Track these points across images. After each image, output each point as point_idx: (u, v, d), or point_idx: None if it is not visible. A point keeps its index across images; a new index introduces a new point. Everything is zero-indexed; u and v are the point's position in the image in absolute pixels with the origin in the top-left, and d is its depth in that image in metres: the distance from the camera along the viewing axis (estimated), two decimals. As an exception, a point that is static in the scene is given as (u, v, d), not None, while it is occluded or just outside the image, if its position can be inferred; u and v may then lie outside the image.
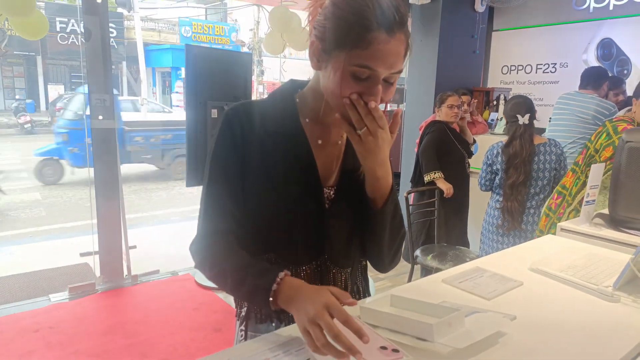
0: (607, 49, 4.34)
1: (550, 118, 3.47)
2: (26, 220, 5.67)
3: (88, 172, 3.53)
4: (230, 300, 3.05)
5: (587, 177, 1.61)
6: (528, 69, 4.91)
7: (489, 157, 2.78)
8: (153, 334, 2.78)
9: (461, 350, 0.76)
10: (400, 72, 0.82)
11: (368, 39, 0.77)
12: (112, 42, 15.34)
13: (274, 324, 0.95)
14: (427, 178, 3.14)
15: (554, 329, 0.90)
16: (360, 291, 1.04)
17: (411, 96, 4.49)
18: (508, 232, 2.71)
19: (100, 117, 3.21)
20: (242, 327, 0.98)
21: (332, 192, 0.94)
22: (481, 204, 3.12)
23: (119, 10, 14.69)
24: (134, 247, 3.59)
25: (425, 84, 4.30)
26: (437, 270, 2.51)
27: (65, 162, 7.61)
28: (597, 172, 1.59)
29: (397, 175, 4.56)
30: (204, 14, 19.70)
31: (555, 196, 2.26)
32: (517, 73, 5.00)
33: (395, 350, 0.75)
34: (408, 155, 4.42)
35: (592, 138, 2.15)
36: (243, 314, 0.98)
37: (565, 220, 2.00)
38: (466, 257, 2.70)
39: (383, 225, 0.91)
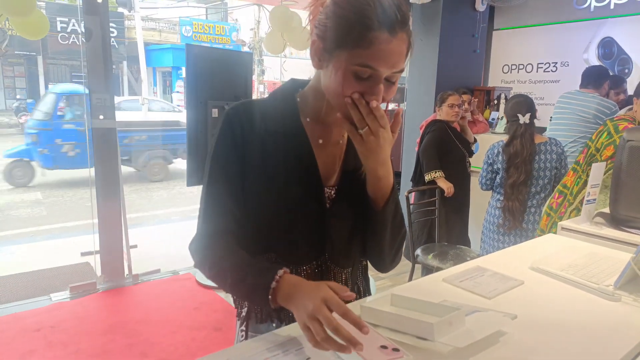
0: (608, 48, 4.33)
1: (551, 117, 3.47)
2: (27, 219, 5.67)
3: (89, 172, 3.53)
4: (231, 299, 3.05)
5: (588, 176, 1.61)
6: (529, 68, 4.91)
7: (490, 156, 2.78)
8: (154, 333, 2.78)
9: (462, 349, 0.76)
10: (402, 71, 0.81)
11: (370, 39, 0.76)
12: (113, 41, 15.33)
13: (274, 324, 0.95)
14: (427, 177, 3.14)
15: (554, 328, 0.90)
16: (361, 291, 1.04)
17: (412, 95, 4.49)
18: (509, 231, 2.71)
19: (101, 117, 3.22)
20: (243, 327, 0.98)
21: (333, 192, 0.94)
22: (482, 203, 3.12)
23: (120, 10, 14.70)
24: (135, 246, 3.59)
25: (425, 83, 4.30)
26: (438, 269, 2.51)
27: (36, 163, 7.28)
28: (597, 171, 1.59)
29: (397, 175, 4.56)
30: (205, 13, 19.70)
31: (556, 195, 2.25)
32: (518, 72, 5.00)
33: (396, 350, 0.75)
34: (408, 155, 4.42)
35: (593, 137, 2.15)
36: (244, 314, 0.98)
37: (567, 219, 2.00)
38: (467, 256, 2.69)
39: (384, 225, 0.91)
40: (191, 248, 0.91)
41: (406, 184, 4.22)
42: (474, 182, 3.07)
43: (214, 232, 0.89)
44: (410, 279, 2.92)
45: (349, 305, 0.71)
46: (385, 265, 0.99)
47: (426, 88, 4.29)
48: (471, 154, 3.32)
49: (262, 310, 0.95)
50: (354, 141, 0.84)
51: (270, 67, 18.15)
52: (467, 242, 3.33)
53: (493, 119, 4.41)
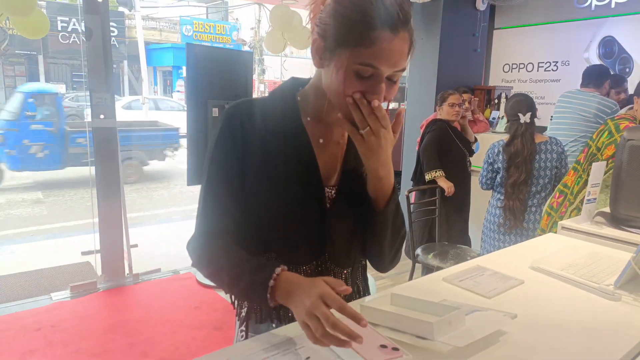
0: (609, 47, 4.33)
1: (551, 116, 3.46)
2: (27, 219, 5.68)
3: (89, 171, 3.54)
4: (231, 298, 3.05)
5: (588, 175, 1.61)
6: (529, 67, 4.90)
7: (490, 155, 2.78)
8: (154, 332, 2.78)
9: (461, 348, 0.76)
10: (403, 70, 0.81)
11: (371, 38, 0.76)
12: (113, 41, 15.34)
13: (274, 324, 0.94)
14: (428, 177, 3.13)
15: (554, 328, 0.90)
16: (360, 290, 1.04)
17: (412, 94, 4.49)
18: (509, 230, 2.70)
19: (102, 116, 3.22)
20: (243, 328, 0.98)
21: (333, 192, 0.93)
22: (482, 203, 3.12)
23: (120, 9, 14.71)
24: (135, 245, 3.59)
25: (426, 83, 4.29)
26: (438, 268, 2.51)
27: (3, 165, 6.97)
28: (598, 171, 1.58)
29: (398, 174, 4.56)
30: (205, 12, 19.69)
31: (557, 195, 2.25)
32: (519, 71, 4.99)
33: (395, 349, 0.75)
34: (409, 154, 4.42)
35: (594, 136, 2.14)
36: (243, 314, 0.98)
37: (567, 219, 2.00)
38: (467, 255, 2.69)
39: (385, 225, 0.91)
40: (189, 247, 0.91)
41: (406, 183, 4.22)
42: (475, 182, 3.07)
43: (211, 232, 0.89)
44: (411, 278, 2.92)
45: (348, 304, 0.71)
46: (384, 265, 0.98)
47: (427, 87, 4.28)
48: (472, 153, 3.32)
49: (262, 310, 0.95)
50: (355, 141, 0.83)
51: (270, 66, 18.14)
52: (467, 242, 3.33)
53: (493, 118, 4.41)
